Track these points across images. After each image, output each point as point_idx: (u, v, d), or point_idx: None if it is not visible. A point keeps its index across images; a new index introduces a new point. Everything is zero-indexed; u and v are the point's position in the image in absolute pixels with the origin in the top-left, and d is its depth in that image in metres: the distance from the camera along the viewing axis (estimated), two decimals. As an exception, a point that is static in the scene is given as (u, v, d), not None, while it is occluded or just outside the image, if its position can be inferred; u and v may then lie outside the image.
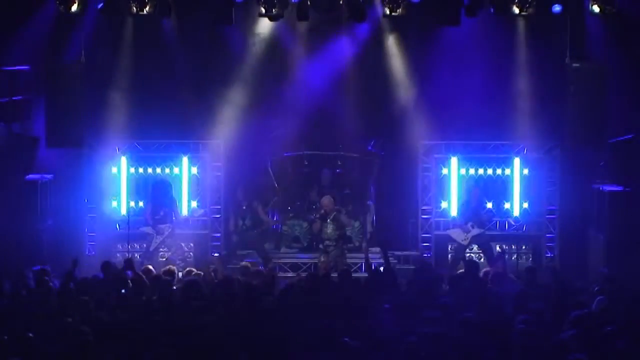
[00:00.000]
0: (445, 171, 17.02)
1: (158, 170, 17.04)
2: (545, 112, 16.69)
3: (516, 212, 16.99)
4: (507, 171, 17.04)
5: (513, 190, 17.02)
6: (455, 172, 17.00)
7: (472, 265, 13.58)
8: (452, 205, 16.98)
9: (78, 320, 9.91)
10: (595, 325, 9.80)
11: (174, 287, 12.08)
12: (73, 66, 15.89)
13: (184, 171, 17.04)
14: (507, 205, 17.03)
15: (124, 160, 16.87)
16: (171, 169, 17.06)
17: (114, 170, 16.86)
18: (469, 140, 17.07)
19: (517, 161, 17.00)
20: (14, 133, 15.72)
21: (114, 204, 16.88)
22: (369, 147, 17.43)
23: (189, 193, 17.05)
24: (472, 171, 17.07)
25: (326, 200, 16.10)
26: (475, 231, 16.12)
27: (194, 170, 17.09)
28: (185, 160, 17.02)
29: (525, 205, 17.02)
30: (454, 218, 16.72)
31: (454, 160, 16.99)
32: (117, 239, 16.56)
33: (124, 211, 16.62)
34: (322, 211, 15.95)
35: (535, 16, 15.82)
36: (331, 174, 17.70)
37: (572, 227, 16.72)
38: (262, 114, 17.31)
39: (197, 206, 17.01)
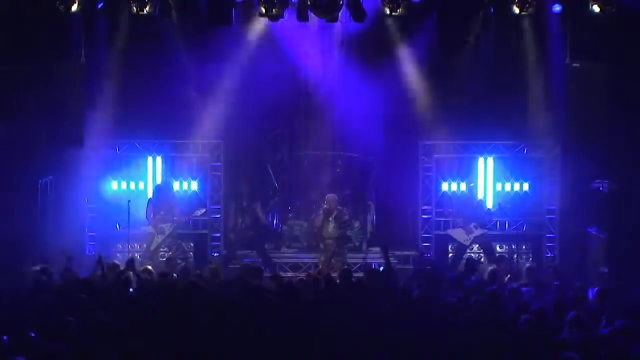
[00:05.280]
0: (445, 186, 17.13)
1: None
2: (545, 112, 16.69)
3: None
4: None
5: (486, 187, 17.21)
6: (482, 170, 17.07)
7: (472, 264, 13.58)
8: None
9: (80, 320, 9.91)
10: (593, 325, 9.81)
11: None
12: (73, 66, 15.88)
13: (149, 173, 17.03)
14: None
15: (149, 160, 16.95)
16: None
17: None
18: (468, 140, 17.09)
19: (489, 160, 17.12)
20: (14, 133, 15.70)
21: (114, 185, 16.89)
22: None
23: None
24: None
25: (331, 197, 16.13)
26: (479, 232, 16.16)
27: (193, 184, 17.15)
28: (150, 160, 17.04)
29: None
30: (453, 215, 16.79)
31: (480, 161, 17.08)
32: (117, 239, 16.55)
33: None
34: (326, 207, 15.94)
35: (536, 16, 15.82)
36: (331, 174, 17.72)
37: (572, 227, 16.73)
38: (262, 113, 17.30)
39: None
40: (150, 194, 16.77)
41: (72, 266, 12.84)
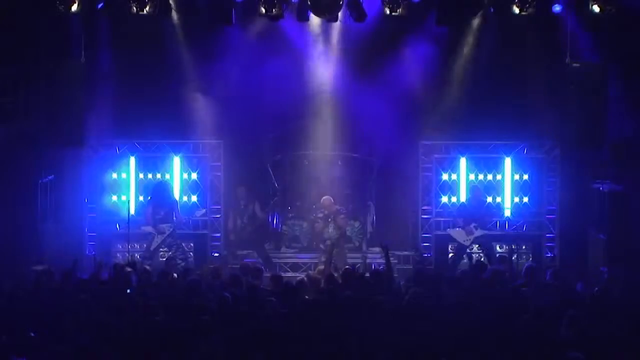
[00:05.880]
0: (445, 176, 17.05)
1: (158, 176, 17.10)
2: (545, 112, 16.70)
3: (507, 213, 17.02)
4: (499, 177, 17.11)
5: (504, 189, 17.09)
6: (464, 173, 17.00)
7: (480, 266, 13.56)
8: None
9: (79, 321, 9.92)
10: (593, 325, 9.82)
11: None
12: (73, 66, 15.89)
13: (175, 172, 17.03)
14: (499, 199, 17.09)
15: (132, 160, 16.91)
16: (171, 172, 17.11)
17: (123, 175, 16.89)
18: (469, 140, 17.08)
19: (507, 162, 17.03)
20: (14, 133, 15.70)
21: (114, 198, 16.89)
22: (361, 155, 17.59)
23: (180, 194, 17.03)
24: (472, 176, 17.11)
25: (327, 201, 16.19)
26: (479, 232, 16.17)
27: (193, 175, 17.08)
28: (176, 160, 17.01)
29: (517, 199, 17.04)
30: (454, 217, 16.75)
31: (462, 161, 16.99)
32: (117, 239, 16.56)
33: (132, 211, 16.56)
34: (324, 212, 16.00)
35: (535, 16, 15.83)
36: (331, 174, 17.71)
37: (572, 227, 16.73)
38: (262, 113, 17.30)
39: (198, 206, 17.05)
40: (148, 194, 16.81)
41: (75, 268, 12.84)
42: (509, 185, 17.13)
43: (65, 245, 15.80)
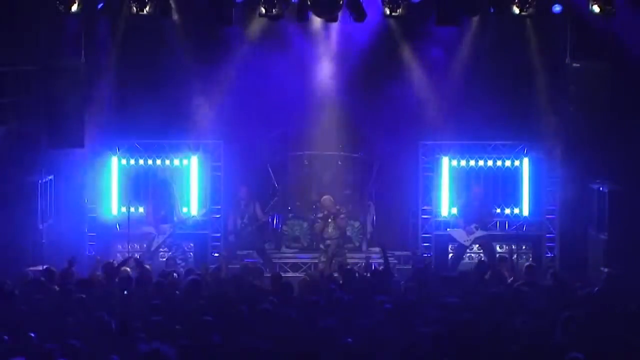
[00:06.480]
0: (445, 176, 17.07)
1: (158, 162, 17.01)
2: (546, 112, 16.70)
3: (525, 212, 16.99)
4: (507, 163, 17.03)
5: (522, 190, 17.02)
6: (446, 172, 16.99)
7: (482, 266, 13.56)
8: (442, 205, 16.97)
9: (79, 320, 9.92)
10: (593, 325, 9.82)
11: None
12: (73, 66, 15.88)
13: (193, 171, 17.02)
14: (507, 211, 17.03)
15: (114, 160, 16.88)
16: (172, 162, 17.04)
17: (114, 165, 16.88)
18: (469, 140, 17.07)
19: (525, 161, 16.99)
20: (14, 133, 15.69)
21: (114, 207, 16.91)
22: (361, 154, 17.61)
23: (199, 193, 17.02)
24: (472, 162, 17.05)
25: (327, 201, 16.18)
26: (480, 233, 16.15)
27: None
28: (194, 159, 17.00)
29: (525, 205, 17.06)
30: (445, 217, 16.71)
31: (444, 160, 16.98)
32: (117, 239, 16.55)
33: (114, 211, 16.53)
34: (325, 212, 16.00)
35: (536, 16, 15.83)
36: (331, 174, 17.72)
37: (572, 227, 16.72)
38: (263, 113, 17.31)
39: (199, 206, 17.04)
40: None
41: (73, 268, 12.84)
42: (527, 185, 17.05)
43: (65, 245, 15.79)
